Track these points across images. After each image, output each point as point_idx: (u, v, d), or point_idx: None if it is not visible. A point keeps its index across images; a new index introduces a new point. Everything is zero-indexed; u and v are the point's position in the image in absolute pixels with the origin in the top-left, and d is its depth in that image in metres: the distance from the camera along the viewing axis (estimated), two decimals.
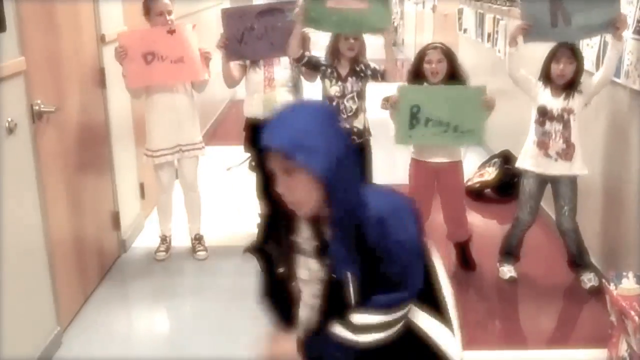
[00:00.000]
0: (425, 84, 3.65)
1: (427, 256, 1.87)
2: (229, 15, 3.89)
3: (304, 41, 3.78)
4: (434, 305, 1.84)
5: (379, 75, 3.75)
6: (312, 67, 3.79)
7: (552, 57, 3.46)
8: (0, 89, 2.70)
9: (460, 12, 7.50)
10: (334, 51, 3.74)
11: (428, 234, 1.93)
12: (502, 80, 4.53)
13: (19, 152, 2.87)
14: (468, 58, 7.32)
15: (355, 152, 3.55)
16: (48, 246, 3.13)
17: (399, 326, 1.76)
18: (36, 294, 3.05)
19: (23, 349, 2.89)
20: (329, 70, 3.76)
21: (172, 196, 4.19)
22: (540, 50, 3.57)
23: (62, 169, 3.37)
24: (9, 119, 2.75)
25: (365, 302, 1.74)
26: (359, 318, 1.73)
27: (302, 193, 1.68)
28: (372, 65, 3.78)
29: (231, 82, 4.09)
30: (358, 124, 3.81)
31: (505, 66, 3.60)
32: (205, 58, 3.84)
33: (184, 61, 3.77)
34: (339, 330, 1.73)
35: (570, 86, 3.44)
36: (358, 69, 3.74)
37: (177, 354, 3.19)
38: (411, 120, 3.54)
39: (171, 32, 3.75)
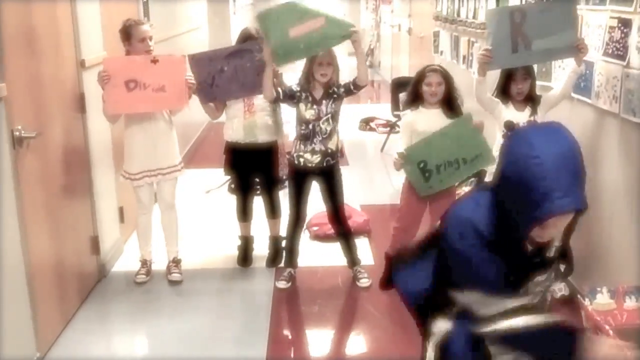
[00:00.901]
0: (420, 107, 3.75)
1: None
2: (197, 61, 3.94)
3: (275, 77, 3.82)
4: None
5: (351, 87, 3.81)
6: (288, 98, 3.84)
7: (508, 76, 3.63)
8: None
9: (436, 34, 7.62)
10: (308, 76, 3.81)
11: None
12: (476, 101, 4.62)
13: (0, 178, 2.88)
14: None
15: (326, 174, 3.58)
16: (28, 271, 3.12)
17: None
18: (15, 319, 3.03)
19: None
20: (304, 95, 3.81)
21: (151, 217, 4.20)
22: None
23: (43, 193, 3.37)
24: None
25: None
26: None
27: (562, 228, 1.74)
28: (343, 82, 3.86)
29: (214, 117, 4.20)
30: (332, 145, 3.88)
31: (474, 91, 3.70)
32: (189, 88, 3.86)
33: (165, 90, 3.80)
34: None
35: (531, 100, 3.62)
36: (331, 91, 3.81)
37: None
38: (424, 174, 3.69)
39: (154, 61, 3.78)
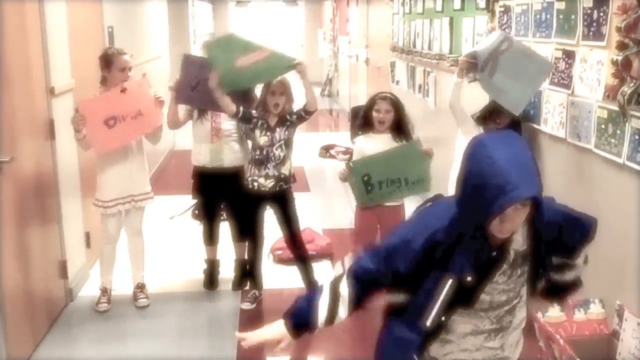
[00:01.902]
0: (370, 132, 3.93)
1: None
2: (190, 62, 4.08)
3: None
4: None
5: (302, 113, 3.97)
6: (245, 121, 3.98)
7: (494, 110, 3.79)
8: None
9: (392, 64, 7.87)
10: (264, 105, 3.97)
11: None
12: (432, 129, 4.84)
13: None
14: None
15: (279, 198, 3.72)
16: (0, 294, 3.17)
17: None
18: None
19: None
20: (260, 122, 3.96)
21: (116, 247, 4.25)
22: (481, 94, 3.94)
23: (13, 218, 3.43)
24: None
25: None
26: None
27: (520, 221, 1.85)
28: (295, 109, 4.02)
29: (174, 124, 4.25)
30: (285, 170, 4.02)
31: (449, 95, 3.88)
32: (159, 102, 3.98)
33: (142, 113, 3.91)
34: None
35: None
36: (285, 118, 3.97)
37: None
38: (366, 187, 3.89)
39: (123, 90, 3.87)
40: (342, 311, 2.05)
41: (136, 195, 4.09)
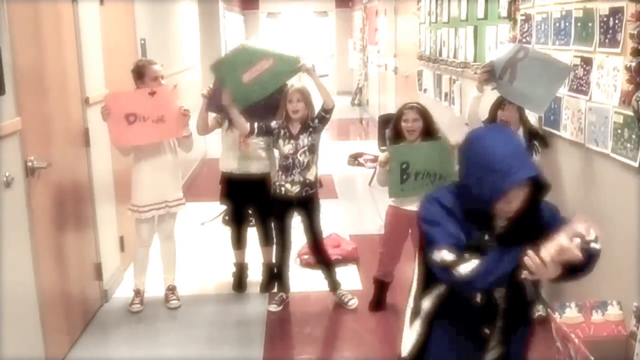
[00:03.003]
0: (402, 143, 4.00)
1: None
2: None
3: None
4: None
5: (322, 113, 4.08)
6: (264, 133, 4.12)
7: (498, 104, 3.92)
8: (0, 146, 2.97)
9: (419, 73, 7.96)
10: (285, 113, 4.08)
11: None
12: (458, 136, 4.89)
13: (15, 204, 3.12)
14: None
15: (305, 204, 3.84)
16: (39, 295, 3.34)
17: None
18: (27, 339, 3.25)
19: None
20: (282, 132, 4.09)
21: (149, 250, 4.41)
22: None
23: (50, 222, 3.61)
24: (7, 174, 3.00)
25: None
26: None
27: (520, 200, 2.09)
28: (315, 113, 4.13)
29: (203, 129, 4.38)
30: (310, 176, 4.13)
31: (467, 109, 4.00)
32: (184, 116, 4.12)
33: (164, 120, 4.05)
34: None
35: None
36: (307, 125, 4.09)
37: None
38: (402, 176, 3.91)
39: (152, 93, 4.03)
40: None
41: (170, 202, 4.24)
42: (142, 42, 5.81)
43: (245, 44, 4.06)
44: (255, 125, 4.03)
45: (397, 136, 4.06)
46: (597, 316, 3.13)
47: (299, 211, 4.23)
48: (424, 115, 4.02)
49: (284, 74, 3.98)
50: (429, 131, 4.02)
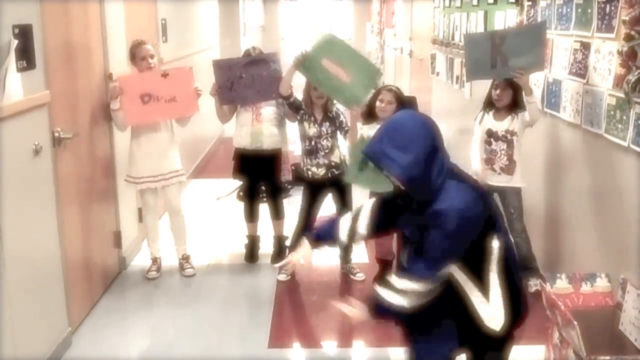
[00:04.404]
0: (374, 123, 4.09)
1: (486, 244, 2.43)
2: (219, 66, 4.42)
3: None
4: (480, 284, 2.47)
5: (342, 132, 4.30)
6: (295, 108, 4.32)
7: (492, 86, 4.13)
8: (30, 117, 3.19)
9: (433, 57, 8.09)
10: (308, 98, 4.28)
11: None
12: (467, 118, 5.08)
13: (43, 172, 3.35)
14: (440, 99, 7.92)
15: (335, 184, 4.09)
16: (63, 259, 3.58)
17: (422, 298, 2.41)
18: (51, 299, 3.49)
19: (39, 347, 3.32)
20: (307, 115, 4.29)
21: (157, 218, 4.63)
22: None
23: (75, 190, 3.84)
24: (36, 142, 3.23)
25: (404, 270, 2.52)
26: (394, 280, 2.46)
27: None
28: (342, 117, 4.33)
29: (225, 120, 4.65)
30: (335, 158, 4.34)
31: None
32: (197, 93, 4.33)
33: (176, 100, 4.26)
34: (382, 290, 2.51)
35: (510, 111, 4.05)
36: (330, 115, 4.28)
37: (173, 353, 3.63)
38: (360, 166, 3.87)
39: (164, 75, 4.26)
40: (362, 228, 2.69)
41: (166, 174, 4.42)
42: (163, 22, 6.01)
43: (334, 35, 4.22)
44: (294, 95, 4.24)
45: (370, 114, 4.17)
46: (586, 287, 3.31)
47: (331, 191, 4.40)
48: (400, 100, 4.10)
49: (342, 98, 4.12)
50: None
